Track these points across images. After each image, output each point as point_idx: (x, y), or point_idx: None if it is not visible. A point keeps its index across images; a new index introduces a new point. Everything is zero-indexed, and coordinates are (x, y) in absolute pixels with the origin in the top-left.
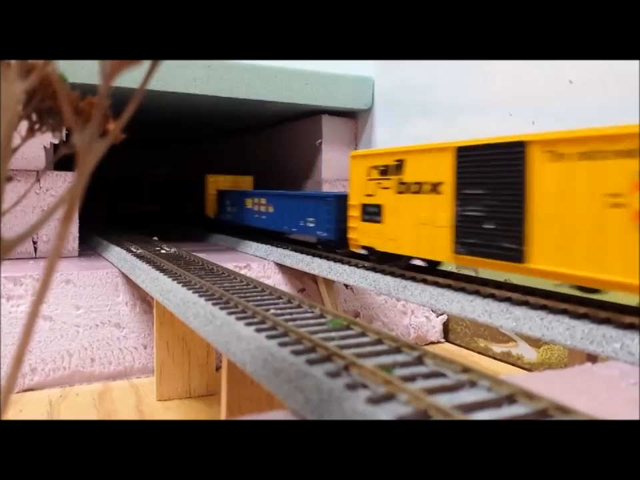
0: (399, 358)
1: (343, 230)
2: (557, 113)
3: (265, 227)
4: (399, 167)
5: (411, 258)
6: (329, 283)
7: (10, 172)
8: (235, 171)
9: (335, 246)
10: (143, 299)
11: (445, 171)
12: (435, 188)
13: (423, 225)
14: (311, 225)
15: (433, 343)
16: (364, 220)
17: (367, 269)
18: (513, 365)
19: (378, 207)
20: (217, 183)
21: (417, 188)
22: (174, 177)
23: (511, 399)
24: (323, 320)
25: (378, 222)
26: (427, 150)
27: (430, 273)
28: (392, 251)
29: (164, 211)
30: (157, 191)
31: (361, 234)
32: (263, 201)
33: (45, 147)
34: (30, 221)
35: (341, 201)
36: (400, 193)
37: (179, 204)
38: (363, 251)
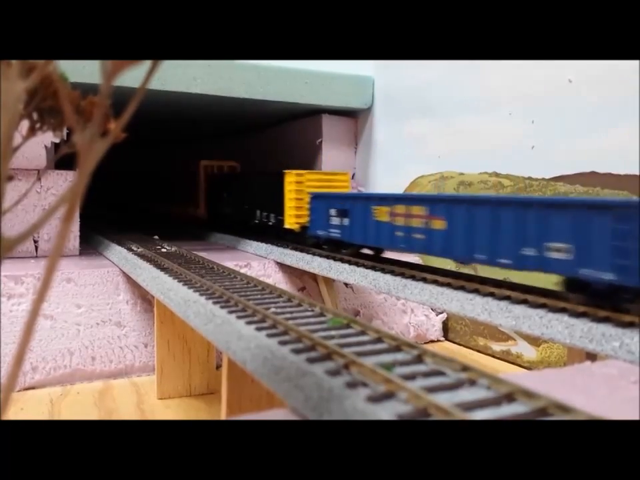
0: (399, 356)
1: None
2: (557, 112)
3: (425, 252)
4: None
5: None
6: (329, 281)
7: (11, 171)
8: None
9: (631, 299)
10: (144, 298)
11: None
12: None
13: None
14: (559, 255)
15: (432, 341)
16: None
17: (367, 267)
18: (512, 363)
19: None
20: (301, 182)
21: None
22: (227, 175)
23: (510, 398)
24: (323, 318)
25: None
26: None
27: (429, 271)
28: None
29: (217, 220)
30: (204, 193)
31: None
32: (420, 210)
33: (45, 146)
34: (31, 219)
35: None
36: None
37: (235, 210)
38: None
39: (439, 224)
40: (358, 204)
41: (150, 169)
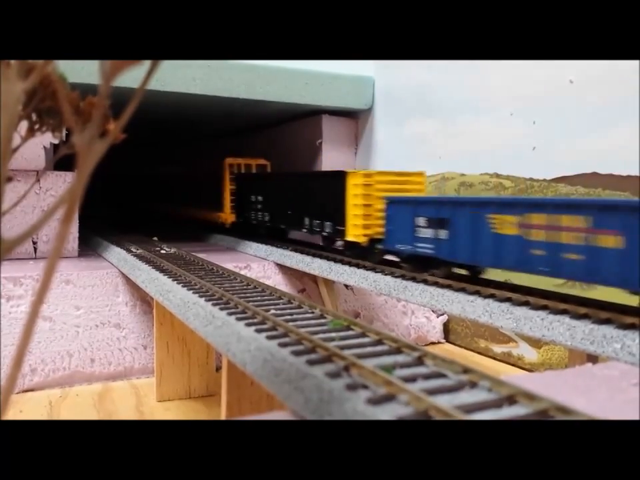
0: (400, 358)
1: None
2: (557, 112)
3: (585, 278)
4: None
5: None
6: (329, 283)
7: (10, 172)
8: None
9: None
10: (143, 300)
11: None
12: None
13: None
14: None
15: (433, 343)
16: None
17: (367, 269)
18: (513, 365)
19: None
20: (370, 185)
21: None
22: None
23: (511, 400)
24: (323, 320)
25: None
26: None
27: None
28: None
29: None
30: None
31: None
32: (576, 220)
33: (44, 147)
34: (30, 221)
35: None
36: None
37: (273, 216)
38: None
39: (609, 241)
40: (463, 211)
41: (151, 170)
